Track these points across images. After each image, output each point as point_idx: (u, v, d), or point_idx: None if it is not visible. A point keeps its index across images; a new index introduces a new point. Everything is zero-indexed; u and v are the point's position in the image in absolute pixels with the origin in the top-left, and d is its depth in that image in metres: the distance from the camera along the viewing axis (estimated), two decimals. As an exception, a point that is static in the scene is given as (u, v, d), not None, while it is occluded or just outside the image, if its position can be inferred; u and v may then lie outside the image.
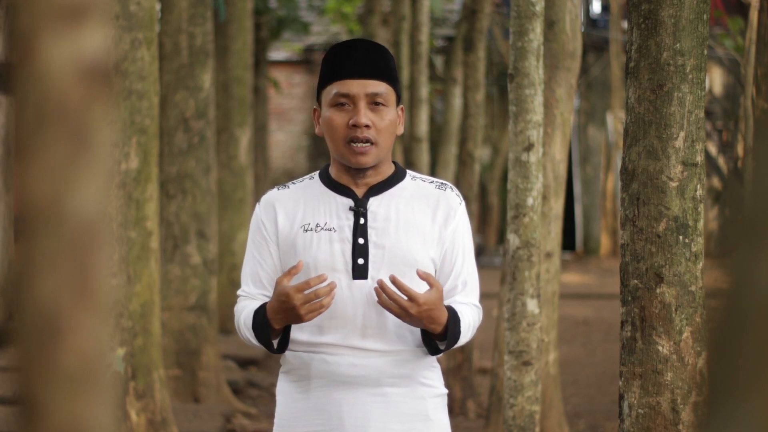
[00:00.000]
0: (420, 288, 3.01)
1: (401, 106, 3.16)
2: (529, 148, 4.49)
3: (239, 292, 3.16)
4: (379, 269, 3.03)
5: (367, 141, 3.03)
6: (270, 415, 8.40)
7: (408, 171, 3.18)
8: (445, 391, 3.17)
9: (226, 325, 10.99)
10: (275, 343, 3.06)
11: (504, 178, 19.58)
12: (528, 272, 4.52)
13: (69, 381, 1.23)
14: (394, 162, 3.18)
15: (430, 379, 3.11)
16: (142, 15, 6.15)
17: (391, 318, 3.04)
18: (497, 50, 20.19)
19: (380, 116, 3.05)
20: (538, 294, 4.55)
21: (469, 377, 8.77)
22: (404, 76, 12.11)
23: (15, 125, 1.24)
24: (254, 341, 3.06)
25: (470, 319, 3.08)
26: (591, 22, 22.99)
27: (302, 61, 22.43)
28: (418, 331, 3.06)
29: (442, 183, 3.16)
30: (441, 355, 3.15)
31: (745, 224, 1.22)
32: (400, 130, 3.14)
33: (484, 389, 9.07)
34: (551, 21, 6.43)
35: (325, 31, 21.97)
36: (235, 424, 7.92)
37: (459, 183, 9.00)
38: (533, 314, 4.54)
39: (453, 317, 3.01)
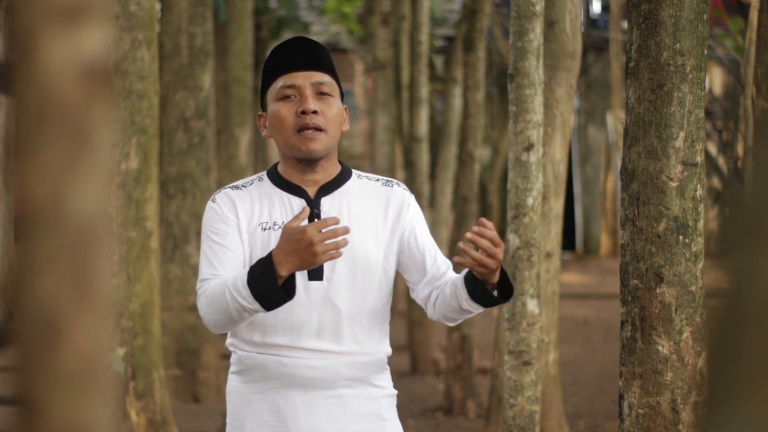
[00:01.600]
0: (373, 287, 3.05)
1: (345, 105, 3.19)
2: (529, 148, 4.49)
3: (201, 278, 3.02)
4: (333, 269, 3.04)
5: (317, 128, 3.05)
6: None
7: (353, 170, 3.21)
8: (395, 391, 3.19)
9: (226, 325, 10.99)
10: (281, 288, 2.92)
11: (504, 178, 19.58)
12: (528, 272, 4.52)
13: (69, 381, 1.23)
14: (339, 161, 3.19)
15: (382, 381, 3.14)
16: (142, 15, 6.15)
17: (345, 319, 3.04)
18: (497, 50, 20.20)
19: (327, 105, 3.08)
20: (538, 294, 4.55)
21: (469, 377, 8.77)
22: (404, 76, 12.11)
23: (15, 125, 1.24)
24: (247, 303, 2.89)
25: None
26: (591, 22, 23.00)
27: (302, 61, 22.40)
28: (371, 332, 3.08)
29: (388, 180, 3.20)
30: (389, 355, 3.16)
31: (745, 224, 1.23)
32: (346, 126, 3.17)
33: (484, 389, 9.07)
34: (551, 21, 6.43)
35: (325, 31, 21.97)
36: (235, 424, 7.92)
37: (459, 183, 9.00)
38: (533, 314, 4.54)
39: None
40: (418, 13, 11.08)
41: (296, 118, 3.05)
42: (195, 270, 8.32)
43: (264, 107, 3.15)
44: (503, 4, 21.13)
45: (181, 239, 8.32)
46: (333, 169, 3.14)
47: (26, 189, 1.23)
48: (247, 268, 2.94)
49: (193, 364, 8.23)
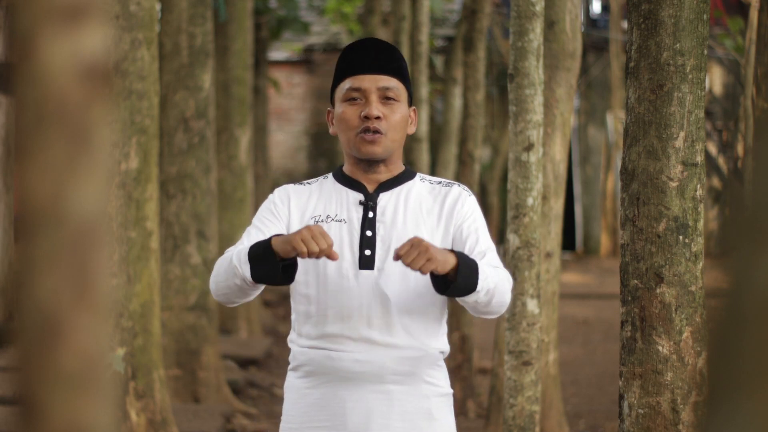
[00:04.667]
0: (427, 281, 3.05)
1: (414, 107, 3.25)
2: (529, 148, 4.49)
3: (228, 249, 3.11)
4: (384, 260, 3.08)
5: (378, 132, 3.11)
6: (270, 415, 8.40)
7: (419, 173, 3.27)
8: (451, 390, 3.18)
9: (226, 325, 10.99)
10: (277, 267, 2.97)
11: (504, 178, 19.58)
12: (528, 272, 4.52)
13: (69, 381, 1.23)
14: (405, 165, 3.26)
15: (435, 378, 3.13)
16: (142, 15, 6.15)
17: (395, 309, 3.06)
18: (497, 50, 20.20)
19: (391, 110, 3.14)
20: (538, 294, 4.55)
21: (469, 377, 8.77)
22: (404, 76, 12.08)
23: (15, 125, 1.24)
24: (240, 267, 2.96)
25: (489, 268, 3.03)
26: (591, 22, 22.99)
27: (302, 61, 22.44)
28: (425, 325, 3.09)
29: (449, 182, 3.25)
30: (447, 353, 3.16)
31: (745, 224, 1.23)
32: (412, 129, 3.23)
33: (484, 389, 9.07)
34: (551, 21, 6.43)
35: (325, 31, 21.97)
36: (235, 424, 7.92)
37: (459, 183, 8.99)
38: (533, 314, 4.54)
39: (461, 254, 2.99)
40: (418, 13, 11.08)
41: (359, 121, 3.12)
42: (195, 270, 8.32)
43: (333, 104, 3.21)
44: (503, 4, 21.13)
45: (181, 239, 8.32)
46: (395, 170, 3.21)
47: (26, 189, 1.23)
48: (254, 243, 3.01)
49: (193, 364, 8.23)
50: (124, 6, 6.07)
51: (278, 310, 13.62)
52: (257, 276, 2.98)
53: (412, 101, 3.22)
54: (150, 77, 6.22)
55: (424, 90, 11.05)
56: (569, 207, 22.31)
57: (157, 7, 6.89)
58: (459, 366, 8.70)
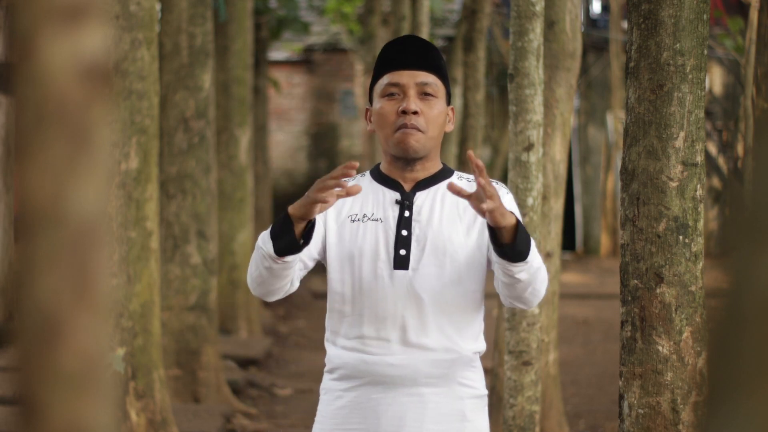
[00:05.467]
0: (462, 280, 3.03)
1: (452, 106, 3.22)
2: (529, 148, 4.49)
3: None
4: (419, 260, 3.06)
5: (416, 128, 3.08)
6: (270, 415, 8.41)
7: (456, 171, 3.23)
8: (486, 392, 3.16)
9: (226, 325, 10.98)
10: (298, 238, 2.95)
11: (504, 178, 19.57)
12: (528, 272, 4.52)
13: (69, 381, 1.23)
14: (443, 163, 3.22)
15: (470, 380, 3.10)
16: (142, 15, 6.15)
17: (430, 310, 3.04)
18: (497, 50, 20.20)
19: (429, 106, 3.11)
20: (538, 294, 4.55)
21: (469, 377, 8.77)
22: (404, 76, 12.08)
23: (15, 125, 1.24)
24: (263, 244, 2.95)
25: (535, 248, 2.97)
26: (591, 22, 22.99)
27: (302, 61, 22.44)
28: (460, 326, 3.06)
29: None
30: (482, 353, 3.11)
31: (745, 224, 1.23)
32: (450, 127, 3.20)
33: (484, 389, 9.05)
34: (551, 21, 6.43)
35: (325, 31, 21.97)
36: (235, 424, 7.92)
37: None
38: (533, 314, 4.54)
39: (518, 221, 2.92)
40: (418, 13, 11.08)
41: (397, 116, 3.09)
42: (195, 270, 8.32)
43: (371, 102, 3.19)
44: (503, 4, 21.13)
45: (181, 239, 8.32)
46: (433, 169, 3.17)
47: (26, 189, 1.23)
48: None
49: (193, 364, 8.23)
50: (124, 6, 6.07)
51: (278, 310, 13.62)
52: (279, 248, 2.93)
53: (450, 100, 3.20)
54: (150, 77, 6.22)
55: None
56: (569, 207, 22.30)
57: (157, 7, 6.89)
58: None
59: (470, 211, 3.09)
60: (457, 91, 10.63)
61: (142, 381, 6.23)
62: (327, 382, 3.17)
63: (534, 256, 2.94)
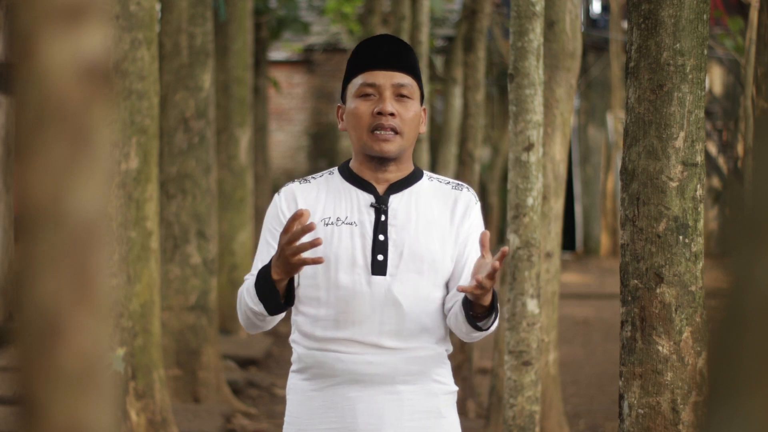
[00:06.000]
0: (437, 286, 3.06)
1: (424, 107, 3.21)
2: (529, 148, 4.49)
3: (247, 275, 3.11)
4: (397, 266, 3.05)
5: (392, 130, 3.06)
6: (270, 415, 8.40)
7: (425, 171, 3.22)
8: (456, 388, 3.18)
9: (226, 325, 10.98)
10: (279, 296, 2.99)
11: (504, 178, 19.57)
12: (528, 272, 4.52)
13: (69, 381, 1.23)
14: (414, 164, 3.21)
15: (442, 376, 3.13)
16: (142, 15, 6.15)
17: (407, 315, 3.05)
18: (497, 50, 20.19)
19: (405, 107, 3.09)
20: (538, 294, 4.55)
21: (469, 377, 8.77)
22: (404, 76, 12.08)
23: (15, 125, 1.24)
24: (253, 304, 2.98)
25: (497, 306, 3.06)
26: (591, 22, 22.99)
27: (302, 61, 22.44)
28: (433, 330, 3.08)
29: (458, 183, 3.21)
30: (450, 352, 3.17)
31: (745, 224, 1.22)
32: (423, 128, 3.18)
33: (484, 389, 9.07)
34: (551, 21, 6.43)
35: (325, 31, 21.97)
36: (235, 424, 7.92)
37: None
38: (533, 314, 4.54)
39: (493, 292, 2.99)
40: (418, 13, 11.07)
41: (372, 117, 3.07)
42: (195, 270, 8.32)
43: (343, 100, 3.16)
44: (503, 4, 21.13)
45: (181, 239, 8.32)
46: (405, 170, 3.15)
47: (26, 189, 1.23)
48: (257, 273, 3.00)
49: (193, 364, 8.23)
50: (124, 6, 6.07)
51: (278, 310, 13.60)
52: (272, 310, 2.99)
53: (423, 100, 3.19)
54: (150, 77, 6.22)
55: (424, 90, 11.04)
56: (569, 207, 22.30)
57: (157, 7, 6.89)
58: (459, 366, 8.70)
59: (445, 217, 3.12)
60: (457, 91, 10.63)
61: (142, 381, 6.23)
62: (296, 383, 3.14)
63: (497, 322, 3.04)
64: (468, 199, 3.16)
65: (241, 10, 10.79)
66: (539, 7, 4.50)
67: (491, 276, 2.83)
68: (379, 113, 3.05)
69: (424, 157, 10.90)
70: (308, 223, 2.85)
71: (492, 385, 7.04)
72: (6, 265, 5.79)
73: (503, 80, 20.07)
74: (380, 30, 14.59)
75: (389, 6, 14.44)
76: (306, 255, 2.90)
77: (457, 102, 10.68)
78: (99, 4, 1.23)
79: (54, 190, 1.22)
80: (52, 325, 1.22)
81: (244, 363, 10.08)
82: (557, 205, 6.51)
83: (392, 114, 3.06)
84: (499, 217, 21.29)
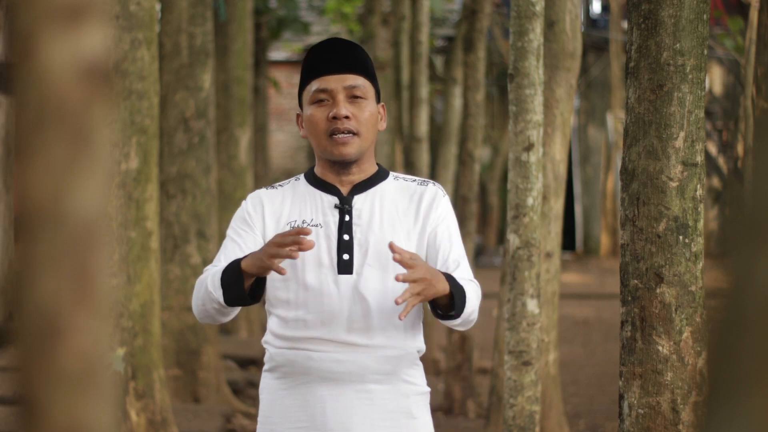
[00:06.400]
0: (398, 287, 3.06)
1: (382, 103, 3.23)
2: (529, 148, 4.49)
3: (206, 268, 3.13)
4: (362, 264, 3.08)
5: (349, 132, 3.10)
6: (270, 415, 8.40)
7: (391, 172, 3.25)
8: (428, 389, 3.19)
9: (226, 325, 10.99)
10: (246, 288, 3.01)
11: (504, 178, 19.57)
12: (528, 272, 4.52)
13: (69, 381, 1.23)
14: (378, 164, 3.24)
15: (413, 377, 3.14)
16: (142, 15, 6.15)
17: (375, 313, 3.07)
18: (497, 50, 20.19)
19: (360, 108, 3.12)
20: (538, 294, 4.55)
21: (469, 377, 8.77)
22: (404, 76, 12.10)
23: (15, 125, 1.24)
24: (212, 289, 3.00)
25: (470, 287, 3.07)
26: (591, 22, 23.00)
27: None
28: (402, 326, 3.10)
29: (424, 180, 3.23)
30: (423, 352, 3.18)
31: (745, 224, 1.22)
32: (383, 125, 3.21)
33: (484, 389, 9.07)
34: (551, 21, 6.43)
35: (325, 31, 21.97)
36: (235, 424, 7.92)
37: (459, 183, 9.00)
38: (533, 314, 4.54)
39: (450, 277, 3.02)
40: (418, 13, 11.08)
41: (328, 122, 3.10)
42: (195, 270, 8.32)
43: (301, 107, 3.20)
44: (503, 4, 21.13)
45: (181, 239, 8.32)
46: (368, 170, 3.18)
47: (26, 189, 1.23)
48: (228, 264, 3.03)
49: (193, 364, 8.23)
50: (124, 6, 6.07)
51: (278, 310, 13.61)
52: (230, 300, 3.02)
53: (380, 98, 3.21)
54: (150, 77, 6.22)
55: (424, 90, 11.05)
56: (569, 207, 22.31)
57: (157, 7, 6.89)
58: (459, 366, 8.70)
59: (410, 215, 3.15)
60: (457, 91, 10.63)
61: (142, 381, 6.23)
62: (267, 382, 3.16)
63: (468, 307, 3.06)
64: (434, 193, 3.18)
65: (241, 10, 10.79)
66: (539, 7, 4.50)
67: (411, 275, 2.88)
68: (334, 117, 3.09)
69: (424, 157, 10.91)
70: (307, 238, 2.91)
71: (492, 385, 7.04)
72: (6, 265, 5.79)
73: (503, 80, 20.08)
74: (380, 30, 14.60)
75: (389, 6, 14.44)
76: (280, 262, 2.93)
77: (457, 102, 10.68)
78: (99, 4, 1.23)
79: (54, 190, 1.22)
80: (52, 325, 1.22)
81: (244, 363, 10.08)
82: (557, 205, 6.51)
83: (347, 117, 3.09)
84: (499, 217, 21.30)
